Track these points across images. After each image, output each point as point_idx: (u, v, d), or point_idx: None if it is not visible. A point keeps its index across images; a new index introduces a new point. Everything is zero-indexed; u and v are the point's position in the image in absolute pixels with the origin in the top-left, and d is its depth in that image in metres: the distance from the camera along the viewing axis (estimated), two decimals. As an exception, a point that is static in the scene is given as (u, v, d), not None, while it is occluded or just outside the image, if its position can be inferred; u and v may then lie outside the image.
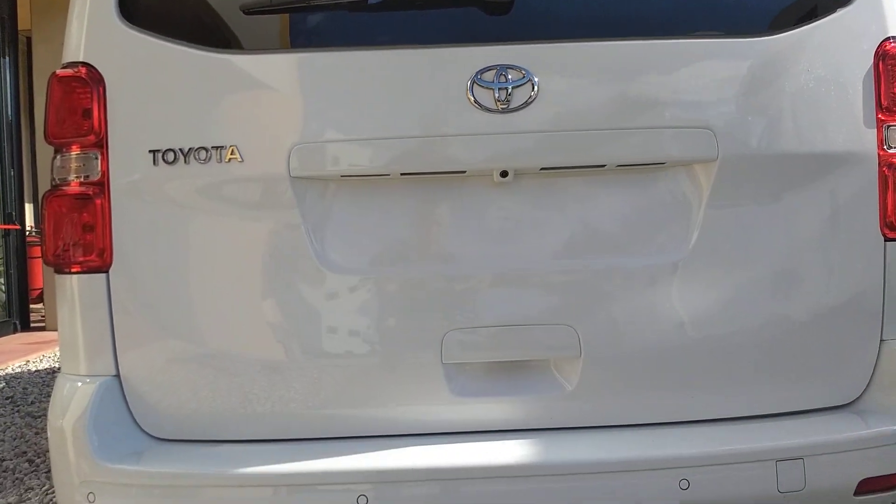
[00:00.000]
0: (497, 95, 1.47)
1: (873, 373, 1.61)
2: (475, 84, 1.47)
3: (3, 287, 6.74)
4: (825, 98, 1.57)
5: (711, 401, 1.56)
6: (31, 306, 7.16)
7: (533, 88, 1.48)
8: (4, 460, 3.24)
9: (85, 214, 1.52)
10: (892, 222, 1.60)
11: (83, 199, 1.52)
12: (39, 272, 7.21)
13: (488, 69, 1.48)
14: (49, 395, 1.72)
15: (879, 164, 1.59)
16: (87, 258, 1.53)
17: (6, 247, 6.80)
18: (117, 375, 1.54)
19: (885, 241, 1.60)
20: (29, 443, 3.41)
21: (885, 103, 1.59)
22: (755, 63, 1.56)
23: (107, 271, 1.53)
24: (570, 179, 1.55)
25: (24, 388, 4.52)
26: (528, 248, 1.54)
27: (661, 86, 1.53)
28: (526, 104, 1.48)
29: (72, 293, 1.55)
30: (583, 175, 1.55)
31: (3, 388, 4.51)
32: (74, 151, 1.54)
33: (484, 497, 1.42)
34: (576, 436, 1.50)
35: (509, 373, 1.54)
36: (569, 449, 1.46)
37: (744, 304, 1.56)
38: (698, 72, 1.55)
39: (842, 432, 1.52)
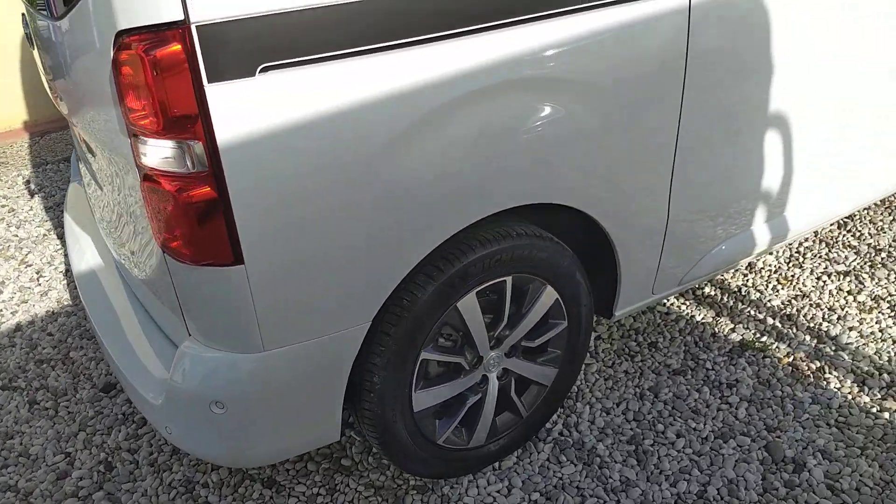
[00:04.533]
0: None
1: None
2: None
3: None
4: (94, 89, 1.34)
5: None
6: None
7: None
8: None
9: None
10: (163, 238, 1.31)
11: None
12: None
13: None
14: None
15: (140, 176, 1.30)
16: None
17: None
18: None
19: (164, 252, 1.35)
20: None
21: (127, 112, 1.23)
22: (62, 45, 1.45)
23: None
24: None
25: None
26: None
27: None
28: None
29: None
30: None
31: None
32: None
33: None
34: None
35: None
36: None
37: None
38: None
39: None
